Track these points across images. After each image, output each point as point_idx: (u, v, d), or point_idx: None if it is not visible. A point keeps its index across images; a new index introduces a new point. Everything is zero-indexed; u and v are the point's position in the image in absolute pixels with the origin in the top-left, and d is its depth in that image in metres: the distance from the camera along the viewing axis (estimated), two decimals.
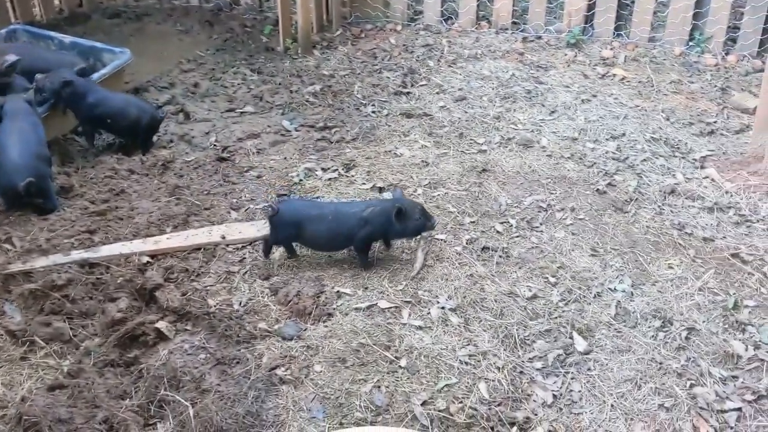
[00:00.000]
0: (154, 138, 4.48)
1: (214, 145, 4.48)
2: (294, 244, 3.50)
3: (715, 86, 5.06)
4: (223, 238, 3.62)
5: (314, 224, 3.33)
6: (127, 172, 4.15)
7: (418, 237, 3.53)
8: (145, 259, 3.50)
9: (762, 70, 4.45)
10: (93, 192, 3.97)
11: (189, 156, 4.35)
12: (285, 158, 4.35)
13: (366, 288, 3.31)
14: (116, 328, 3.13)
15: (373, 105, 4.93)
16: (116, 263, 3.45)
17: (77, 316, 3.22)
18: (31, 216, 3.73)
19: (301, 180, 4.12)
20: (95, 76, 4.54)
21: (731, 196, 3.86)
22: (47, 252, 3.47)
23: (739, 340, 3.01)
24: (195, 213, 3.83)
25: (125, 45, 5.09)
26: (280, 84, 5.20)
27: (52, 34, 5.08)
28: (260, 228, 3.66)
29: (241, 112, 4.87)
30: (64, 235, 3.62)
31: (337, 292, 3.28)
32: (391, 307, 3.20)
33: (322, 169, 4.21)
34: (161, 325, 3.14)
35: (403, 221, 3.29)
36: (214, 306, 3.24)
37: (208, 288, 3.35)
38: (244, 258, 3.53)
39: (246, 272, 3.44)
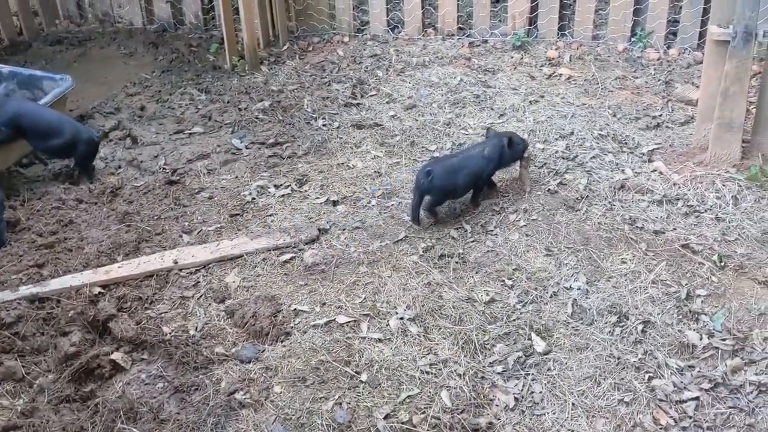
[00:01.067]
0: (101, 164, 4.40)
1: (164, 168, 4.42)
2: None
3: (659, 80, 5.16)
4: (176, 263, 3.56)
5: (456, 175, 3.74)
6: (75, 202, 4.06)
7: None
8: (97, 289, 3.43)
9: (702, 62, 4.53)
10: (40, 224, 3.88)
11: (138, 181, 4.28)
12: (236, 177, 4.31)
13: (323, 304, 3.28)
14: (70, 362, 3.05)
15: (324, 118, 4.91)
16: (67, 296, 3.37)
17: (29, 353, 3.14)
18: None
19: (253, 198, 4.09)
20: None
21: (679, 187, 3.93)
22: None
23: (694, 329, 3.06)
24: (146, 239, 3.77)
25: (68, 71, 5.00)
26: (228, 102, 5.15)
27: None
28: (213, 251, 3.62)
29: (190, 133, 4.81)
30: (11, 270, 3.53)
31: (294, 310, 3.25)
32: (349, 321, 3.18)
33: (275, 185, 4.18)
34: (116, 356, 3.07)
35: (513, 148, 3.87)
36: (170, 333, 3.19)
37: (163, 315, 3.30)
38: (198, 282, 3.48)
39: (201, 296, 3.39)
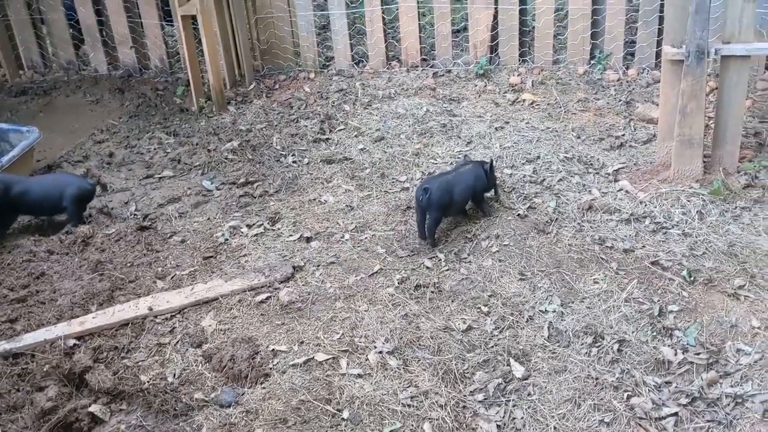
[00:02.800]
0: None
1: (135, 214, 4.40)
2: None
3: (620, 100, 5.28)
4: (151, 309, 3.54)
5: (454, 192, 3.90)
6: (47, 254, 4.03)
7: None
8: (72, 342, 3.38)
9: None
10: (11, 278, 3.83)
11: (109, 228, 4.25)
12: (208, 219, 4.31)
13: (301, 342, 3.28)
14: (47, 418, 3.00)
15: (294, 155, 4.94)
16: (41, 350, 3.32)
17: (5, 411, 3.08)
18: None
19: (226, 239, 4.08)
20: (4, 159, 4.43)
21: (645, 205, 4.00)
22: None
23: (668, 345, 3.10)
24: (120, 287, 3.74)
25: (35, 122, 5.01)
26: (197, 144, 5.17)
27: None
28: (188, 295, 3.60)
29: (160, 178, 4.81)
30: None
31: (273, 350, 3.24)
32: (328, 359, 3.17)
33: (247, 225, 4.19)
34: (95, 408, 3.03)
35: (493, 171, 4.10)
36: (148, 381, 3.15)
37: (140, 363, 3.26)
38: (174, 328, 3.45)
39: (177, 342, 3.36)
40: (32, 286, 3.78)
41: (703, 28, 3.77)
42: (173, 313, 3.55)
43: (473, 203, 4.10)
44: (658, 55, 5.51)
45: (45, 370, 3.21)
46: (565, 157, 4.59)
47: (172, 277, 3.82)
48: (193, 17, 5.46)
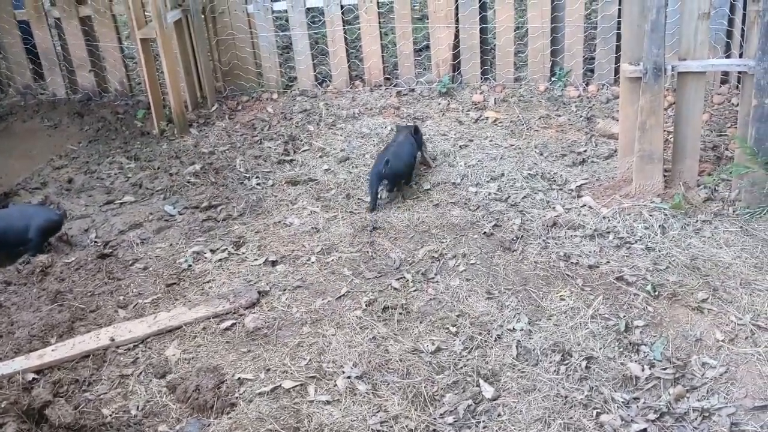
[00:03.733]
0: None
1: (95, 241, 4.31)
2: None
3: (581, 116, 5.34)
4: (113, 340, 3.45)
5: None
6: (3, 285, 3.92)
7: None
8: (30, 376, 3.28)
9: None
10: None
11: (69, 257, 4.15)
12: (171, 245, 4.23)
13: (268, 369, 3.22)
14: None
15: (257, 177, 4.90)
16: None
17: None
18: None
19: (190, 265, 4.01)
20: None
21: (609, 220, 4.04)
22: None
23: (635, 361, 3.12)
24: (80, 318, 3.65)
25: None
26: (158, 168, 5.09)
27: None
28: (150, 324, 3.52)
29: (121, 203, 4.73)
30: None
31: (239, 378, 3.17)
32: (296, 386, 3.12)
33: (211, 250, 4.12)
34: None
35: (418, 133, 4.76)
36: (110, 415, 3.06)
37: (102, 396, 3.17)
38: (137, 358, 3.37)
39: (140, 373, 3.28)
40: None
41: (659, 45, 3.84)
42: (136, 343, 3.47)
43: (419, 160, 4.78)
44: (617, 71, 5.60)
45: (3, 406, 3.09)
46: (529, 173, 4.62)
47: (134, 306, 3.74)
48: (153, 40, 5.40)
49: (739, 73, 4.29)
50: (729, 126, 4.94)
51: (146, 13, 5.56)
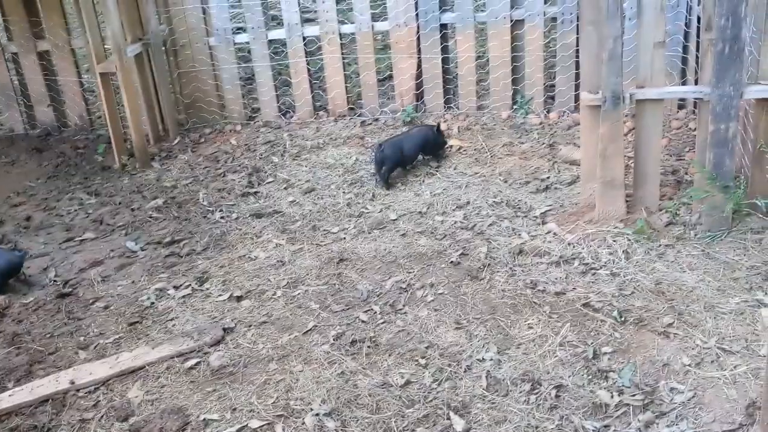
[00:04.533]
0: None
1: (54, 280, 4.20)
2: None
3: (543, 143, 5.40)
4: (73, 383, 3.34)
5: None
6: None
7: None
8: None
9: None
10: None
11: (27, 298, 4.04)
12: (133, 282, 4.14)
13: (234, 409, 3.14)
14: None
15: (221, 210, 4.84)
16: None
17: None
18: None
19: (152, 303, 3.93)
20: None
21: (573, 247, 4.07)
22: None
23: (604, 388, 3.11)
24: (39, 360, 3.53)
25: None
26: (120, 203, 5.00)
27: None
28: (112, 365, 3.43)
29: (81, 240, 4.62)
30: None
31: (204, 419, 3.09)
32: (263, 425, 3.05)
33: (174, 287, 4.04)
34: None
35: (439, 132, 5.26)
36: None
37: None
38: (99, 401, 3.27)
39: (102, 417, 3.17)
40: None
41: (617, 74, 3.91)
42: (97, 386, 3.36)
43: (429, 155, 5.25)
44: (577, 98, 5.69)
45: None
46: (494, 201, 4.64)
47: (95, 347, 3.63)
48: (113, 74, 5.34)
49: (696, 99, 4.39)
50: (688, 150, 5.03)
51: (106, 47, 5.51)
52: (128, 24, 5.54)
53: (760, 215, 4.02)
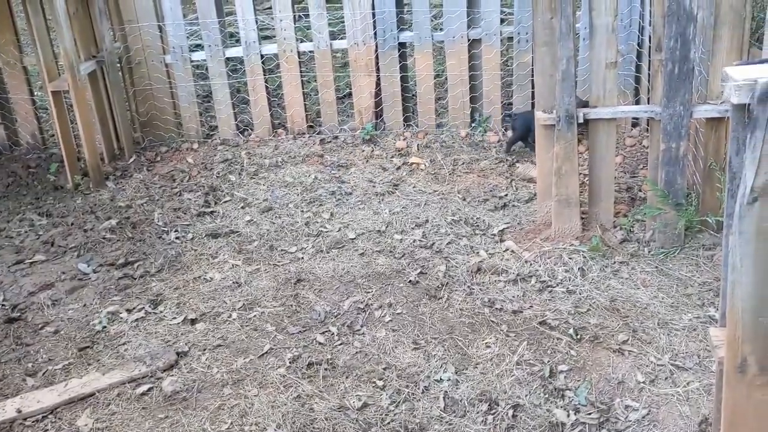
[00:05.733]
0: None
1: (2, 304, 4.07)
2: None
3: (501, 161, 5.44)
4: (20, 411, 3.23)
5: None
6: None
7: None
8: None
9: None
10: None
11: None
12: (85, 305, 4.04)
13: None
14: None
15: (177, 230, 4.76)
16: None
17: None
18: None
19: (104, 327, 3.83)
20: None
21: (530, 264, 4.09)
22: None
23: (561, 407, 3.12)
24: None
25: None
26: (72, 224, 4.89)
27: None
28: (61, 392, 3.32)
29: (31, 262, 4.49)
30: None
31: None
32: None
33: (127, 310, 3.95)
34: None
35: None
36: None
37: None
38: (47, 430, 3.16)
39: None
40: None
41: (570, 94, 3.96)
42: (45, 414, 3.26)
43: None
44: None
45: None
46: (453, 219, 4.65)
47: (43, 373, 3.53)
48: (66, 92, 5.24)
49: (648, 118, 4.47)
50: (641, 167, 5.12)
51: (59, 65, 5.41)
52: (81, 41, 5.45)
53: (711, 232, 4.10)
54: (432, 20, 5.81)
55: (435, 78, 5.94)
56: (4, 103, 5.95)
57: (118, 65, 5.89)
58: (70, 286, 4.21)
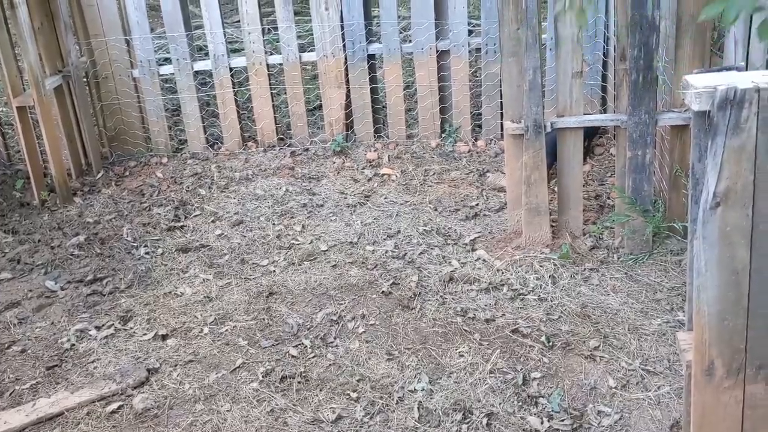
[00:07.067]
0: None
1: None
2: None
3: (472, 171, 5.48)
4: None
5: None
6: None
7: None
8: None
9: None
10: None
11: None
12: (52, 323, 3.97)
13: None
14: None
15: (146, 246, 4.71)
16: None
17: None
18: None
19: (73, 345, 3.77)
20: None
21: (502, 273, 4.12)
22: None
23: (534, 414, 3.14)
24: None
25: None
26: (39, 241, 4.81)
27: None
28: (29, 413, 3.26)
29: None
30: None
31: None
32: None
33: (96, 327, 3.89)
34: None
35: None
36: None
37: None
38: None
39: None
40: None
41: (537, 104, 4.01)
42: None
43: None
44: (503, 126, 5.80)
45: None
46: (425, 229, 4.67)
47: (10, 393, 3.45)
48: (31, 107, 5.17)
49: (614, 126, 4.53)
50: (609, 175, 5.19)
51: (24, 80, 5.33)
52: (47, 56, 5.38)
53: (679, 237, 4.16)
54: (400, 32, 5.84)
55: (405, 89, 5.97)
56: None
57: (85, 80, 5.83)
58: (38, 304, 4.14)
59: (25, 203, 5.36)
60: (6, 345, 3.81)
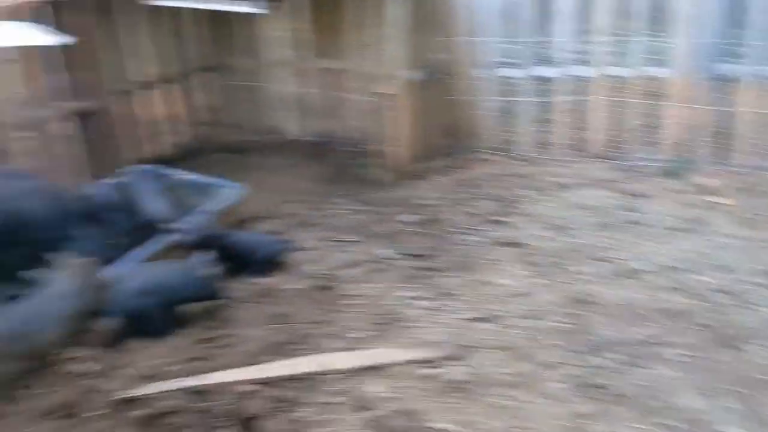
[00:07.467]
0: None
1: (321, 275, 4.59)
2: None
3: None
4: (321, 367, 3.65)
5: None
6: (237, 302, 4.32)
7: None
8: (246, 388, 3.52)
9: None
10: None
11: (288, 284, 4.46)
12: (384, 286, 4.41)
13: (467, 423, 3.24)
14: None
15: (469, 234, 5.02)
16: (220, 391, 3.52)
17: None
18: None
19: (399, 308, 4.16)
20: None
21: None
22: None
23: None
24: (293, 342, 3.88)
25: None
26: (381, 214, 5.39)
27: (172, 171, 5.24)
28: (356, 358, 3.69)
29: (346, 241, 5.01)
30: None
31: (438, 429, 3.23)
32: None
33: (420, 298, 4.23)
34: None
35: None
36: None
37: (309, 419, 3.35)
38: (345, 390, 3.52)
39: (342, 404, 3.43)
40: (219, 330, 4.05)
41: None
42: (342, 374, 3.62)
43: None
44: None
45: (223, 410, 3.38)
46: (762, 269, 4.28)
47: (343, 339, 3.91)
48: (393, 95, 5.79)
49: None
50: None
51: (389, 71, 5.97)
52: (415, 52, 5.96)
53: None
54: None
55: (758, 115, 5.48)
56: (334, 101, 6.73)
57: (439, 76, 6.34)
58: (374, 267, 4.65)
59: (372, 180, 6.04)
60: (344, 298, 4.36)
